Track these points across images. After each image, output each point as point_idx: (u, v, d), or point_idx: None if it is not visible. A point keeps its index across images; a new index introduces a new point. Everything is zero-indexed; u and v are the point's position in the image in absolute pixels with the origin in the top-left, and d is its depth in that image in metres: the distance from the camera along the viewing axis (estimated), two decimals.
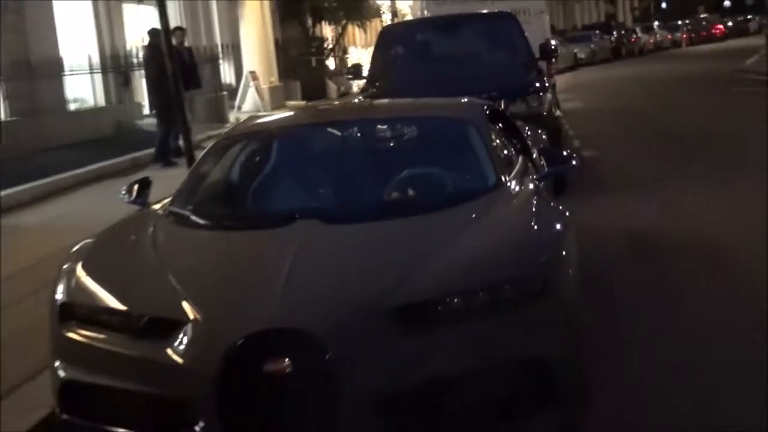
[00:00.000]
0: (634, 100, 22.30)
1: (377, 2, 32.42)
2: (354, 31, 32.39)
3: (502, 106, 7.84)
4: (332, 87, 27.63)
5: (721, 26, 64.26)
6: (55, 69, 13.74)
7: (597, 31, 47.78)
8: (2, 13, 14.14)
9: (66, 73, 14.24)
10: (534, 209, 4.78)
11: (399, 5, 34.98)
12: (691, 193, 9.70)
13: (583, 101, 22.62)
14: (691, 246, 7.49)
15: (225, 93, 20.49)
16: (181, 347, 3.64)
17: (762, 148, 12.15)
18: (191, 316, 3.71)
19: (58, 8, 15.69)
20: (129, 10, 18.88)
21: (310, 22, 28.51)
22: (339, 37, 30.74)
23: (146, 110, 17.00)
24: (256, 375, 3.47)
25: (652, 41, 54.46)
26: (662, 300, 6.14)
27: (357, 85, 19.72)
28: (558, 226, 4.50)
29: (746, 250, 7.16)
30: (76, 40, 16.45)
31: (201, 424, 3.59)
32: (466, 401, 3.72)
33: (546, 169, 5.97)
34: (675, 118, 17.76)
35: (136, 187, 5.47)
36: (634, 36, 52.63)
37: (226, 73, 21.95)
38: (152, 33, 13.64)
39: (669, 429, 4.35)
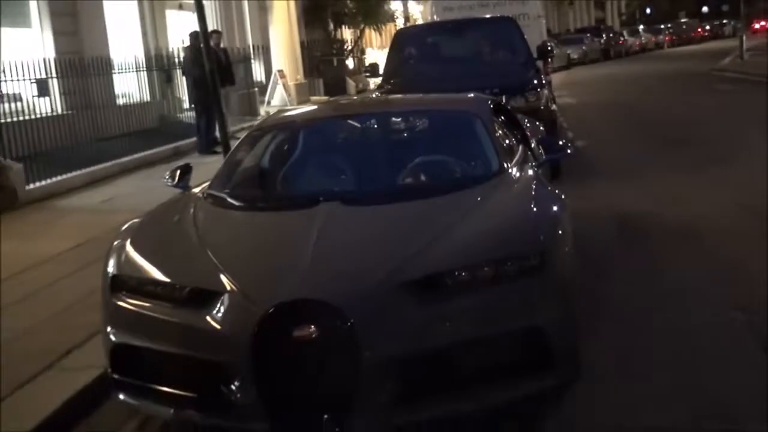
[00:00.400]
0: (621, 96, 22.17)
1: (391, 8, 32.23)
2: (371, 34, 32.25)
3: (504, 101, 7.74)
4: (351, 84, 27.54)
5: (701, 29, 63.90)
6: (105, 68, 13.69)
7: (588, 34, 47.38)
8: (58, 17, 14.17)
9: (115, 71, 14.19)
10: (533, 193, 4.76)
11: (411, 11, 34.80)
12: (669, 177, 9.74)
13: (575, 97, 22.49)
14: (668, 223, 7.62)
15: (256, 89, 20.45)
16: (219, 315, 3.65)
17: (732, 138, 12.26)
18: (228, 288, 3.72)
19: (108, 13, 15.69)
20: (171, 15, 18.85)
21: (331, 26, 28.43)
22: (357, 40, 30.62)
23: (186, 105, 16.97)
24: (285, 340, 3.47)
25: (638, 43, 53.95)
26: (644, 265, 6.37)
27: (374, 82, 19.64)
28: (555, 208, 4.47)
29: (716, 226, 7.32)
30: (124, 42, 16.46)
31: (236, 383, 3.60)
32: (471, 364, 3.73)
33: (544, 157, 5.93)
34: (657, 111, 17.72)
35: (178, 172, 5.48)
36: (622, 38, 52.19)
37: (257, 72, 21.86)
38: (193, 35, 13.65)
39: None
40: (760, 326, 4.88)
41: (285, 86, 21.65)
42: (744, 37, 33.43)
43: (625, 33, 55.26)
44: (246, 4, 22.30)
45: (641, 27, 61.29)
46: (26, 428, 4.05)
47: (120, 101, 14.69)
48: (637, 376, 4.40)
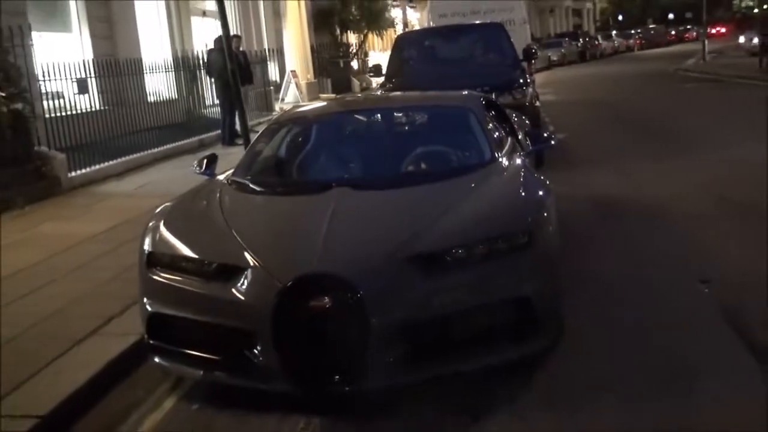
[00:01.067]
0: (596, 93, 22.10)
1: (392, 15, 32.03)
2: (373, 39, 32.01)
3: (494, 98, 7.70)
4: (356, 83, 27.42)
5: (667, 34, 63.62)
6: (137, 68, 13.62)
7: (566, 39, 47.14)
8: (95, 23, 14.08)
9: (146, 71, 14.12)
10: (521, 179, 4.76)
11: (409, 18, 34.60)
12: (639, 164, 9.76)
13: (556, 94, 22.37)
14: (637, 202, 7.74)
15: (271, 88, 20.31)
16: (243, 287, 3.66)
17: (695, 130, 12.22)
18: (251, 263, 3.72)
19: (139, 18, 15.60)
20: (195, 21, 18.72)
21: (338, 31, 28.24)
22: (361, 43, 30.44)
23: (209, 101, 16.89)
24: (302, 309, 3.48)
25: (611, 47, 53.62)
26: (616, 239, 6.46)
27: (376, 82, 19.52)
28: (540, 193, 4.48)
29: (679, 206, 7.39)
30: (153, 45, 16.39)
31: (258, 347, 3.61)
32: (469, 330, 3.74)
33: (530, 148, 5.91)
34: (628, 107, 17.69)
35: (205, 161, 5.47)
36: (597, 42, 51.85)
37: (272, 72, 21.69)
38: (217, 40, 13.60)
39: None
40: (719, 293, 4.96)
41: (297, 85, 21.58)
42: (706, 41, 33.27)
43: (599, 37, 54.88)
44: (262, 12, 22.13)
45: (614, 32, 60.92)
46: (78, 383, 4.08)
47: (150, 98, 14.61)
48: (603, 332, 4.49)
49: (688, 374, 3.85)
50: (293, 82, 21.47)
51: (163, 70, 14.99)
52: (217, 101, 15.16)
